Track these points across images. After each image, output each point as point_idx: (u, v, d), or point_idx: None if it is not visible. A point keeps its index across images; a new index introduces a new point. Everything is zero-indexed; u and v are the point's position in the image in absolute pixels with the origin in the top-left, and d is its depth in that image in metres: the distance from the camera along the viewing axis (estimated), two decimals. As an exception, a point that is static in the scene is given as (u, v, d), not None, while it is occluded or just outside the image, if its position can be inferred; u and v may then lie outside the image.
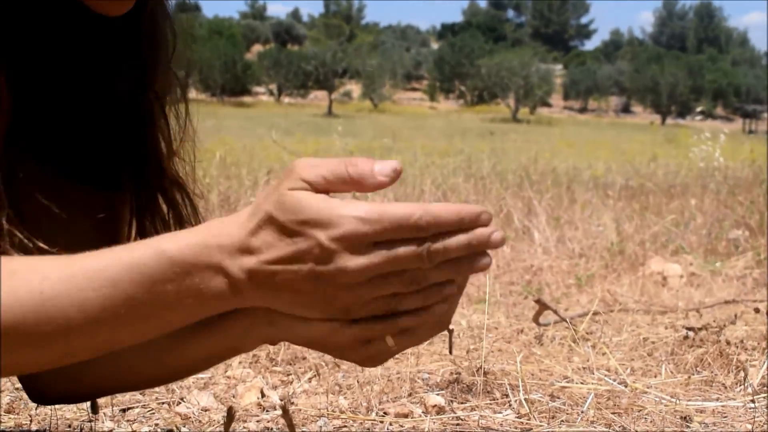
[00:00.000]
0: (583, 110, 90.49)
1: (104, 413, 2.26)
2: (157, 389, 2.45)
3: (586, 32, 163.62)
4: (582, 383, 2.62)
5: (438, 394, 2.44)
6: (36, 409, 2.25)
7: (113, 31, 1.15)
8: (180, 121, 1.28)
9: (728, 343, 3.00)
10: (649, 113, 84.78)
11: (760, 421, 2.25)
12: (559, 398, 2.45)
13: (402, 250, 0.81)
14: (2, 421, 2.18)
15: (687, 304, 4.27)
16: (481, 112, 71.78)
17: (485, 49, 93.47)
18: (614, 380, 2.66)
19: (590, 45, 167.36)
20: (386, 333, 0.87)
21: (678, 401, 2.43)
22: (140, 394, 2.44)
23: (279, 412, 2.31)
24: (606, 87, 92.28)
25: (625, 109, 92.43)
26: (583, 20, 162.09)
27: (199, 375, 2.64)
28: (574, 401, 2.42)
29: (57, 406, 2.26)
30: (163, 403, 2.39)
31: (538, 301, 3.46)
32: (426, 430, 2.21)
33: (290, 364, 2.84)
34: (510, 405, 2.39)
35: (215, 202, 6.82)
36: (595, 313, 3.76)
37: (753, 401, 2.42)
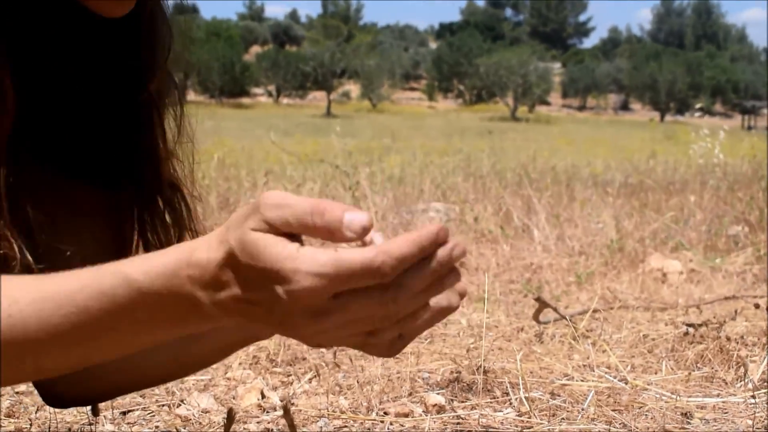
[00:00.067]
0: (581, 108, 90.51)
1: (104, 416, 2.26)
2: (156, 391, 2.45)
3: (584, 30, 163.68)
4: (582, 381, 2.62)
5: (438, 393, 2.44)
6: (36, 413, 2.25)
7: (112, 32, 1.15)
8: (177, 123, 1.28)
9: (728, 339, 3.00)
10: (648, 110, 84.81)
11: (761, 417, 2.25)
12: (559, 396, 2.45)
13: (364, 301, 0.78)
14: (2, 425, 2.18)
15: (687, 300, 4.27)
16: (479, 111, 71.77)
17: (483, 48, 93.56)
18: (615, 377, 2.66)
19: (588, 43, 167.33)
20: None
21: (678, 398, 2.43)
22: (140, 396, 2.44)
23: (279, 413, 2.31)
24: (604, 85, 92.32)
25: (624, 107, 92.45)
26: (582, 18, 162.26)
27: (199, 376, 2.64)
28: (574, 399, 2.42)
29: (57, 411, 2.26)
30: (163, 405, 2.39)
31: (538, 299, 3.46)
32: (427, 429, 2.21)
33: (290, 365, 2.83)
34: (510, 403, 2.39)
35: (214, 204, 6.82)
36: (595, 311, 3.76)
37: (754, 397, 2.42)
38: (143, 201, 1.25)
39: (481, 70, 77.11)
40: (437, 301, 0.86)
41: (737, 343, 2.98)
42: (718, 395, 2.49)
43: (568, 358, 2.94)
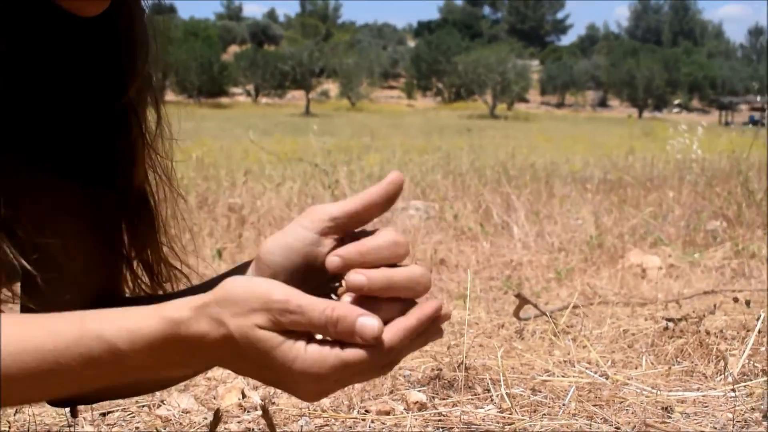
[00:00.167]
0: (560, 105, 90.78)
1: (84, 418, 2.24)
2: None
3: (562, 27, 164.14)
4: (563, 376, 2.62)
5: (419, 391, 2.43)
6: (15, 414, 2.23)
7: (90, 31, 1.14)
8: (156, 123, 1.27)
9: (708, 333, 3.01)
10: (626, 107, 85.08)
11: (741, 410, 2.26)
12: (540, 392, 2.45)
13: (364, 375, 0.85)
14: (-19, 427, 2.16)
15: (666, 295, 4.29)
16: (458, 109, 71.85)
17: (462, 46, 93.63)
18: (595, 373, 2.66)
19: (566, 40, 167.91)
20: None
21: (659, 392, 2.43)
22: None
23: (260, 412, 2.30)
24: (582, 82, 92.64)
25: (602, 104, 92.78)
26: (559, 15, 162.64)
27: (180, 377, 2.62)
28: (555, 394, 2.42)
29: (36, 412, 2.24)
30: (143, 406, 2.37)
31: (518, 296, 3.46)
32: (408, 427, 2.21)
33: (271, 364, 2.82)
34: (492, 400, 2.38)
35: (193, 203, 6.80)
36: (575, 307, 3.77)
37: (734, 390, 2.43)
38: (122, 201, 1.25)
39: (460, 68, 77.22)
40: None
41: (717, 337, 2.99)
42: (698, 389, 2.50)
43: (548, 354, 2.94)
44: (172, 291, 1.28)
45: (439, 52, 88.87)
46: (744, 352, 2.70)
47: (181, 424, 2.25)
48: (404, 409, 2.32)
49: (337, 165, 9.08)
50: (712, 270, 5.11)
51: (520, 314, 3.55)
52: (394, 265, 0.88)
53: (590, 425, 2.17)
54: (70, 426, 2.16)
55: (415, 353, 2.94)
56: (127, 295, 1.28)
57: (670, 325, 3.15)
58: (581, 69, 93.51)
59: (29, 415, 2.20)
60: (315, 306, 0.79)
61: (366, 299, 0.83)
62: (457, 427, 2.19)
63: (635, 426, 2.17)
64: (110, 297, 1.20)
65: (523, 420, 2.22)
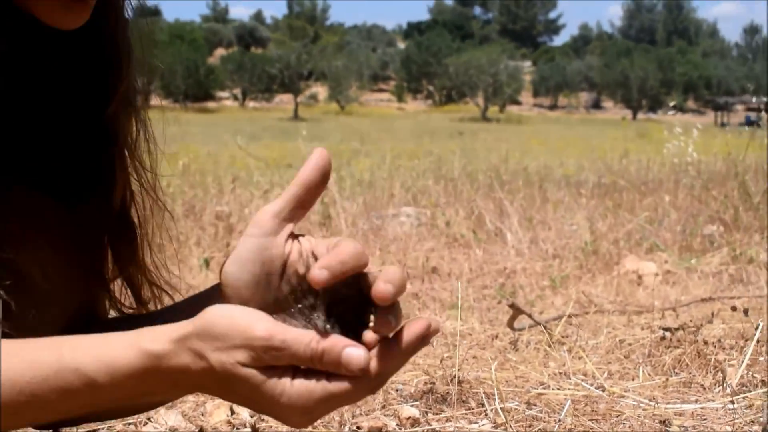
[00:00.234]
0: (553, 107, 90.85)
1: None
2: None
3: (554, 28, 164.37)
4: (559, 389, 2.62)
5: (412, 405, 2.43)
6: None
7: (70, 45, 1.14)
8: (143, 132, 1.27)
9: (706, 342, 3.01)
10: (620, 108, 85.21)
11: (740, 423, 2.26)
12: (536, 406, 2.45)
13: (352, 400, 0.84)
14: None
15: (663, 302, 4.29)
16: (449, 111, 71.89)
17: (452, 47, 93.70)
18: (591, 385, 2.66)
19: (559, 40, 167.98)
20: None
21: (656, 405, 2.43)
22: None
23: (249, 430, 2.29)
24: (576, 83, 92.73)
25: (596, 105, 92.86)
26: (551, 15, 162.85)
27: (166, 393, 2.61)
28: (551, 408, 2.42)
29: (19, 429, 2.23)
30: (129, 423, 2.36)
31: (512, 306, 3.46)
32: (400, 443, 2.20)
33: (260, 379, 2.81)
34: (486, 414, 2.38)
35: (180, 212, 6.79)
36: (571, 316, 3.77)
37: (732, 402, 2.42)
38: (104, 217, 1.24)
39: (451, 69, 77.25)
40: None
41: (714, 347, 2.99)
42: (696, 401, 2.49)
43: (543, 366, 2.94)
44: (155, 310, 1.27)
45: (430, 53, 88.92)
46: (743, 362, 2.70)
47: (168, 442, 2.24)
48: (396, 425, 2.31)
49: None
50: (710, 276, 5.11)
51: (514, 324, 3.55)
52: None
53: (587, 440, 2.17)
54: (54, 446, 2.14)
55: (407, 367, 2.94)
56: (109, 314, 1.27)
57: (667, 334, 3.15)
58: (574, 70, 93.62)
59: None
60: (300, 340, 0.79)
61: None
62: (451, 443, 2.19)
63: (633, 440, 2.17)
64: (90, 317, 1.19)
65: (518, 435, 2.21)
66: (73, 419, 1.24)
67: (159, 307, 1.27)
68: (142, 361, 0.81)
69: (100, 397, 0.83)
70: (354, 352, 0.79)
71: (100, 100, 1.18)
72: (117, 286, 1.26)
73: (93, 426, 2.32)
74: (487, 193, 8.16)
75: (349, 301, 0.87)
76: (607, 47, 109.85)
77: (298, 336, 0.79)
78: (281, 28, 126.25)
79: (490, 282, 5.09)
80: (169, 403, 2.53)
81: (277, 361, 0.79)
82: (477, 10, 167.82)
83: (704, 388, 2.63)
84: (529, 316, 3.49)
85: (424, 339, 0.84)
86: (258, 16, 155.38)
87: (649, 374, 2.81)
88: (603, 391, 2.60)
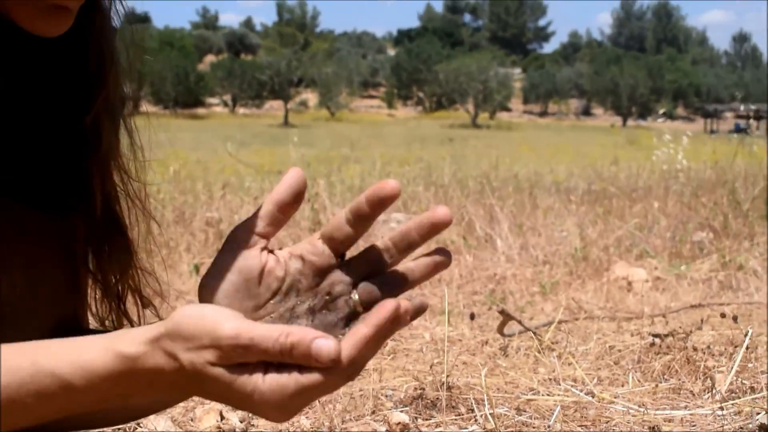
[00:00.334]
0: (543, 114, 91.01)
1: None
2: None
3: (544, 35, 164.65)
4: (548, 395, 2.62)
5: (402, 411, 2.42)
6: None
7: (54, 50, 1.13)
8: (130, 139, 1.26)
9: (695, 349, 3.02)
10: (610, 115, 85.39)
11: (729, 429, 2.26)
12: (525, 411, 2.45)
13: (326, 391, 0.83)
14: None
15: (653, 309, 4.29)
16: (440, 118, 71.97)
17: (443, 54, 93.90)
18: (581, 391, 2.66)
19: (549, 48, 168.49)
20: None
21: (646, 411, 2.43)
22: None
23: (239, 435, 2.29)
24: (566, 90, 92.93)
25: (586, 112, 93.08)
26: (541, 23, 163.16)
27: (156, 399, 2.60)
28: (540, 414, 2.42)
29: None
30: (119, 429, 2.36)
31: (502, 312, 3.46)
32: (390, 449, 2.20)
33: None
34: (476, 420, 2.38)
35: (170, 218, 6.78)
36: (560, 322, 3.77)
37: (722, 408, 2.43)
38: (90, 231, 1.23)
39: (441, 76, 77.41)
40: None
41: (704, 353, 2.99)
42: (685, 407, 2.50)
43: (533, 372, 2.94)
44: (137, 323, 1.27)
45: (420, 60, 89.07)
46: (732, 369, 2.71)
47: (157, 448, 2.23)
48: (386, 430, 2.31)
49: (316, 177, 9.07)
50: (699, 282, 5.12)
51: (504, 330, 3.55)
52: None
53: (576, 446, 2.17)
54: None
55: (397, 372, 2.94)
56: (91, 326, 1.26)
57: (657, 341, 3.16)
58: (564, 77, 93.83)
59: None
60: (268, 335, 0.78)
61: None
62: (441, 449, 2.19)
63: (622, 446, 2.17)
64: (72, 330, 1.18)
65: (508, 441, 2.21)
66: (62, 427, 1.23)
67: (144, 323, 1.26)
68: (116, 363, 0.81)
69: (77, 400, 0.82)
70: (323, 343, 0.77)
71: (81, 107, 1.17)
72: (99, 296, 1.26)
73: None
74: (477, 199, 8.16)
75: (331, 305, 0.87)
76: (596, 54, 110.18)
77: (266, 332, 0.78)
78: (271, 34, 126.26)
79: (480, 288, 5.09)
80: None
81: (246, 359, 0.78)
82: (467, 17, 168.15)
83: (693, 395, 2.63)
84: (519, 322, 3.50)
85: (395, 320, 0.81)
86: (248, 23, 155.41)
87: (639, 380, 2.81)
88: (593, 397, 2.60)
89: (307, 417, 2.43)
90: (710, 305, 4.34)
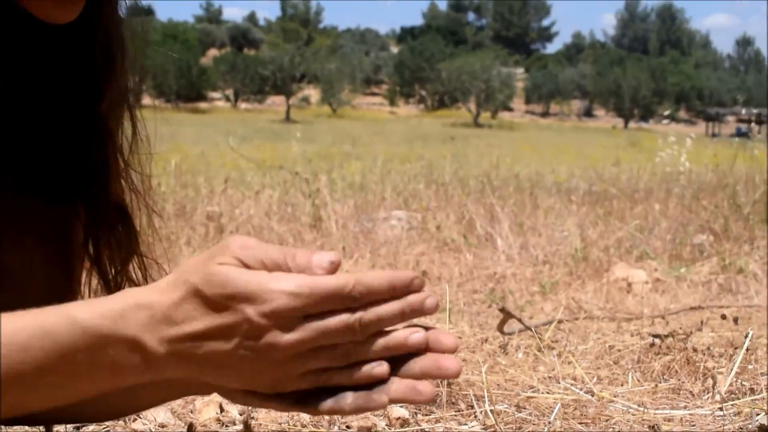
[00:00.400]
0: (545, 114, 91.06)
1: (57, 431, 2.23)
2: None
3: (547, 35, 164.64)
4: (548, 393, 2.63)
5: (401, 406, 2.43)
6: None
7: (64, 38, 1.13)
8: (133, 132, 1.26)
9: (695, 350, 3.02)
10: (612, 117, 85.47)
11: (729, 429, 2.27)
12: (525, 409, 2.45)
13: (334, 322, 0.80)
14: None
15: (652, 310, 4.30)
16: (441, 116, 72.07)
17: (446, 52, 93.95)
18: (581, 389, 2.67)
19: (552, 48, 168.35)
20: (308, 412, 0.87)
21: (645, 410, 2.44)
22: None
23: (239, 427, 2.29)
24: (568, 91, 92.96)
25: (588, 113, 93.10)
26: (545, 23, 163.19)
27: (156, 390, 2.61)
28: (540, 411, 2.43)
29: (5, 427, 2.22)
30: (118, 421, 2.36)
31: (502, 310, 3.47)
32: (390, 443, 2.20)
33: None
34: (475, 416, 2.39)
35: (171, 211, 6.78)
36: (560, 321, 3.78)
37: (721, 409, 2.44)
38: (93, 219, 1.23)
39: (444, 75, 77.45)
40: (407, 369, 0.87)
41: (704, 354, 3.00)
42: (685, 407, 2.50)
43: (533, 370, 2.95)
44: None
45: (423, 58, 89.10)
46: (732, 370, 2.72)
47: (157, 438, 2.24)
48: (386, 425, 2.32)
49: (317, 173, 9.08)
50: (699, 285, 5.13)
51: (504, 329, 3.55)
52: None
53: (576, 443, 2.18)
54: (43, 440, 2.14)
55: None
56: None
57: (657, 341, 3.17)
58: (567, 78, 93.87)
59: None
60: (272, 245, 0.82)
61: None
62: (440, 445, 2.19)
63: (621, 445, 2.18)
64: None
65: (507, 437, 2.22)
66: (70, 415, 1.24)
67: None
68: (123, 300, 0.83)
69: (83, 344, 0.81)
70: (325, 251, 0.82)
71: (91, 97, 1.16)
72: (95, 286, 1.26)
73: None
74: (478, 198, 8.17)
75: None
76: (599, 56, 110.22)
77: (272, 244, 0.83)
78: (274, 30, 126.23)
79: (480, 286, 5.09)
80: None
81: (256, 263, 0.81)
82: (471, 16, 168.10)
83: (693, 395, 2.64)
84: (519, 320, 3.50)
85: (410, 290, 0.83)
86: (251, 18, 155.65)
87: (638, 380, 2.82)
88: (592, 395, 2.61)
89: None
90: (710, 307, 4.35)
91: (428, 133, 37.72)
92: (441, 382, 2.58)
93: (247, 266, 0.80)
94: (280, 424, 2.32)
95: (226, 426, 2.33)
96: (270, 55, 76.25)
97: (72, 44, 1.14)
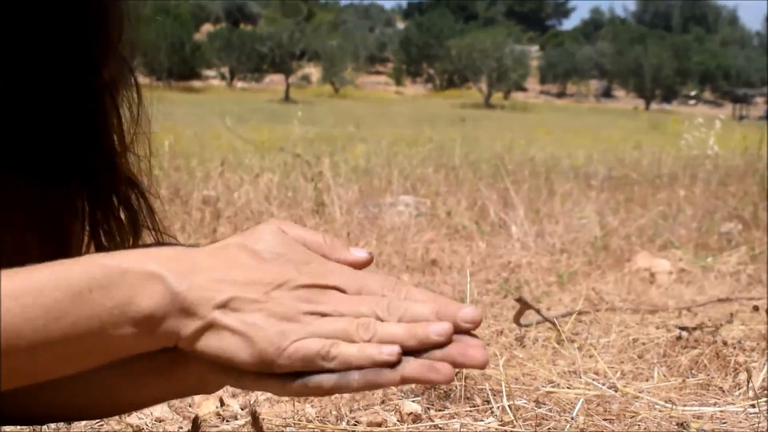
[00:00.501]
0: (561, 95, 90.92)
1: (48, 425, 2.23)
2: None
3: (564, 11, 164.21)
4: (569, 388, 2.63)
5: (414, 401, 2.43)
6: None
7: (59, 10, 1.12)
8: (133, 110, 1.25)
9: (725, 343, 3.02)
10: (632, 98, 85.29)
11: (763, 427, 2.27)
12: (545, 404, 2.45)
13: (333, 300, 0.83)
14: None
15: (677, 302, 4.30)
16: (451, 97, 72.01)
17: (455, 29, 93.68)
18: (603, 384, 2.67)
19: (569, 24, 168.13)
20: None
21: (673, 406, 2.44)
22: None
23: (240, 421, 2.30)
24: (586, 70, 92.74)
25: (606, 94, 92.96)
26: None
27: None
28: (561, 407, 2.42)
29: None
30: (115, 417, 2.36)
31: (519, 300, 3.46)
32: (402, 440, 2.21)
33: (251, 370, 2.81)
34: (492, 412, 2.38)
35: (165, 195, 6.77)
36: (580, 313, 3.77)
37: (754, 406, 2.43)
38: (95, 198, 1.22)
39: (453, 52, 77.30)
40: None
41: (734, 348, 3.00)
42: (715, 404, 2.50)
43: (552, 364, 2.95)
44: None
45: (431, 35, 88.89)
46: (765, 364, 2.71)
47: (154, 433, 2.24)
48: (397, 420, 2.32)
49: (320, 156, 9.07)
50: (727, 276, 5.12)
51: (520, 320, 3.55)
52: None
53: (599, 441, 2.18)
54: (33, 434, 2.15)
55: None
56: None
57: (684, 334, 3.17)
58: (584, 56, 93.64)
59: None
60: (314, 231, 0.88)
61: None
62: (455, 442, 2.20)
63: (648, 442, 2.18)
64: None
65: (526, 434, 2.22)
66: (59, 414, 1.23)
67: None
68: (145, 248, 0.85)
69: (97, 282, 0.80)
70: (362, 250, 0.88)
71: (87, 69, 1.16)
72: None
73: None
74: (490, 182, 8.17)
75: None
76: (619, 33, 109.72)
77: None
78: (273, 4, 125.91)
79: (494, 276, 5.09)
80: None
81: (299, 239, 0.86)
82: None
83: (723, 391, 2.64)
84: (538, 311, 3.50)
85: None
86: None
87: (665, 375, 2.82)
88: (616, 391, 2.60)
89: (312, 405, 2.43)
90: (739, 299, 4.34)
91: (437, 115, 37.70)
92: (455, 375, 2.58)
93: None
94: (284, 419, 2.32)
95: (227, 420, 2.34)
96: (268, 31, 76.10)
97: (65, 17, 1.13)
